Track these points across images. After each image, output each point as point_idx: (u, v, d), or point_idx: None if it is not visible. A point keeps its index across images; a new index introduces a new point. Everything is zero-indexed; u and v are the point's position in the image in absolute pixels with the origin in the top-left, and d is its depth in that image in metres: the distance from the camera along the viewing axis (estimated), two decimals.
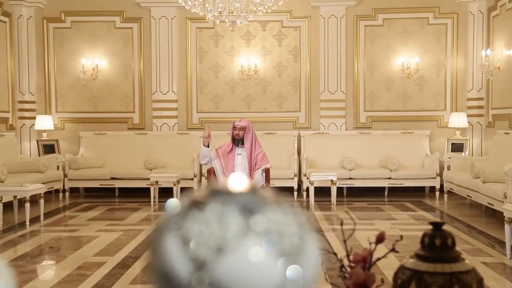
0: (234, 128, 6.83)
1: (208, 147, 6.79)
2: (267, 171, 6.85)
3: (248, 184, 0.73)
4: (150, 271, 0.72)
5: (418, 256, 1.53)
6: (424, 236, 1.56)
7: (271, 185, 7.28)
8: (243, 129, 6.78)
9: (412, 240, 6.12)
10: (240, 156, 6.80)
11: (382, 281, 1.68)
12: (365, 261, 1.70)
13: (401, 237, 1.81)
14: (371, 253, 1.70)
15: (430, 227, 1.56)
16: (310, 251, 0.71)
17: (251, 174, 6.79)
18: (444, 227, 1.58)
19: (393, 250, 1.74)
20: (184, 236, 0.68)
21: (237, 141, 6.80)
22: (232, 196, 0.71)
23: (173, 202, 0.72)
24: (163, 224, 0.72)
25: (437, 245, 1.52)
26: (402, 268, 1.53)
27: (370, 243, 1.70)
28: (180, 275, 0.67)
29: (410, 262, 1.53)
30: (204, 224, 0.68)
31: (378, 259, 1.73)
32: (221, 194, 0.71)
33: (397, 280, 1.53)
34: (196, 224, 0.68)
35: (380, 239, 1.73)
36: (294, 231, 0.70)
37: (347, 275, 1.71)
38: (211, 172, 7.01)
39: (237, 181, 0.74)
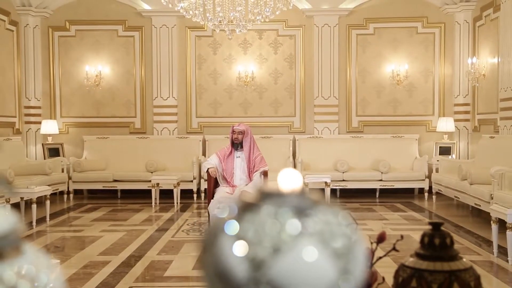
0: (233, 132, 7.01)
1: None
2: (265, 173, 6.98)
3: (300, 181, 0.74)
4: (204, 271, 0.72)
5: (418, 255, 1.56)
6: (424, 235, 1.57)
7: None
8: (242, 133, 6.97)
9: (403, 239, 6.40)
10: (239, 159, 6.98)
11: (384, 279, 1.73)
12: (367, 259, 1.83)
13: (402, 236, 1.83)
14: (372, 252, 1.71)
15: (423, 227, 1.67)
16: (358, 250, 0.72)
17: (250, 176, 6.96)
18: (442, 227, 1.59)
19: (393, 249, 1.76)
20: (240, 237, 0.68)
21: (236, 144, 6.99)
22: (283, 198, 0.71)
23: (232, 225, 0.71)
24: (218, 224, 0.72)
25: (436, 244, 1.54)
26: (403, 267, 1.55)
27: (372, 243, 1.72)
28: (237, 275, 0.67)
29: (411, 261, 1.55)
30: (259, 225, 0.68)
31: (380, 257, 1.75)
32: (273, 196, 0.72)
33: (398, 278, 1.54)
34: (251, 225, 0.69)
35: (381, 238, 1.76)
36: (344, 231, 0.71)
37: None
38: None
39: (289, 178, 0.74)
